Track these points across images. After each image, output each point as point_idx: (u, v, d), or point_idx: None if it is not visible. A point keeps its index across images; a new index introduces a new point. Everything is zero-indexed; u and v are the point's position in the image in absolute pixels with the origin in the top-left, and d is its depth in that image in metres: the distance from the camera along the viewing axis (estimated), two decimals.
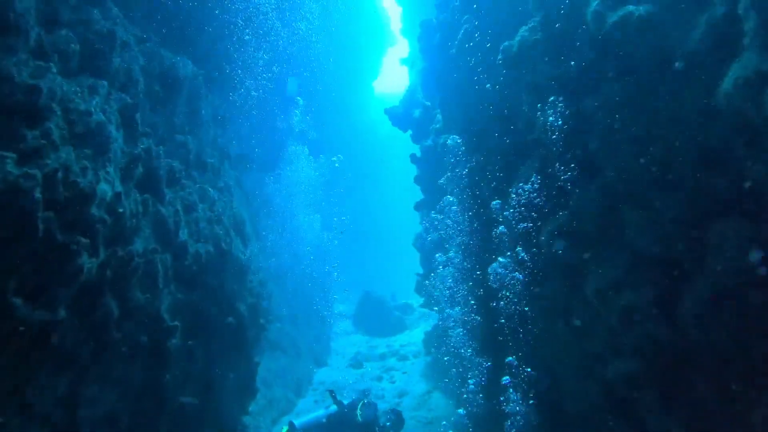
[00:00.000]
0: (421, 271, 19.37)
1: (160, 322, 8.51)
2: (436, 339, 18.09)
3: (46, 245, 5.64)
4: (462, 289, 11.85)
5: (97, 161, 6.77)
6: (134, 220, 8.12)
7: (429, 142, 16.86)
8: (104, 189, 6.71)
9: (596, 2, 7.26)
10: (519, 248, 9.64)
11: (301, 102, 21.58)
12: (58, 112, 6.38)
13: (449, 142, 12.40)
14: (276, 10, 16.03)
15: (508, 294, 9.79)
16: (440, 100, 14.68)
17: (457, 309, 11.96)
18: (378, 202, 42.90)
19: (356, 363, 22.48)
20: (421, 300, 21.66)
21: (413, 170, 18.84)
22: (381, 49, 39.46)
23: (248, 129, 17.15)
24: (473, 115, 11.77)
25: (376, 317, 28.86)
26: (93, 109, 6.86)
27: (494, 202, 10.32)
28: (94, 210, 6.43)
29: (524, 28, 9.10)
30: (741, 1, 5.48)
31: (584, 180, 8.62)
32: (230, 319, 11.38)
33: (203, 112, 12.84)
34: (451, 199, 12.22)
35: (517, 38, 9.25)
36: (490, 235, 10.41)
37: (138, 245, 8.27)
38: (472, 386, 11.06)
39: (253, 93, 15.68)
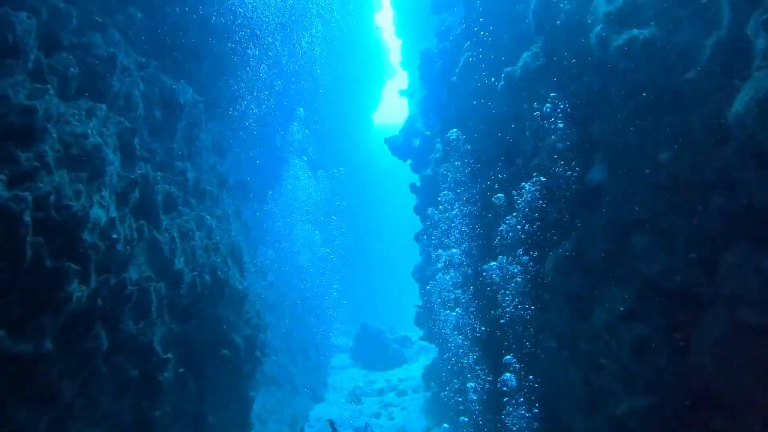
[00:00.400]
0: (420, 302, 18.99)
1: (152, 355, 8.13)
2: (436, 371, 17.58)
3: (34, 272, 5.37)
4: (461, 291, 11.56)
5: (91, 185, 6.57)
6: (128, 247, 7.86)
7: (429, 171, 16.77)
8: (98, 214, 6.48)
9: (599, 26, 7.23)
10: (520, 251, 9.44)
11: (302, 112, 21.53)
12: (54, 134, 6.22)
13: (450, 136, 12.20)
14: (279, 28, 16.09)
15: (508, 299, 9.55)
16: (440, 128, 14.65)
17: (458, 310, 11.64)
18: (377, 233, 42.63)
19: (354, 398, 21.80)
20: (421, 332, 21.19)
21: (413, 201, 18.69)
22: (380, 80, 40.01)
23: (249, 143, 16.98)
24: (475, 143, 11.69)
25: (375, 350, 28.20)
26: (90, 132, 6.71)
27: (497, 196, 10.12)
28: (86, 235, 6.19)
29: (526, 53, 9.11)
30: (750, 21, 5.41)
31: (590, 204, 8.46)
32: (225, 351, 10.97)
33: (203, 139, 12.76)
34: (451, 195, 11.99)
35: (520, 63, 9.24)
36: (491, 244, 10.25)
37: (132, 273, 7.99)
38: (472, 391, 10.72)
39: (253, 107, 15.60)
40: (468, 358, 11.20)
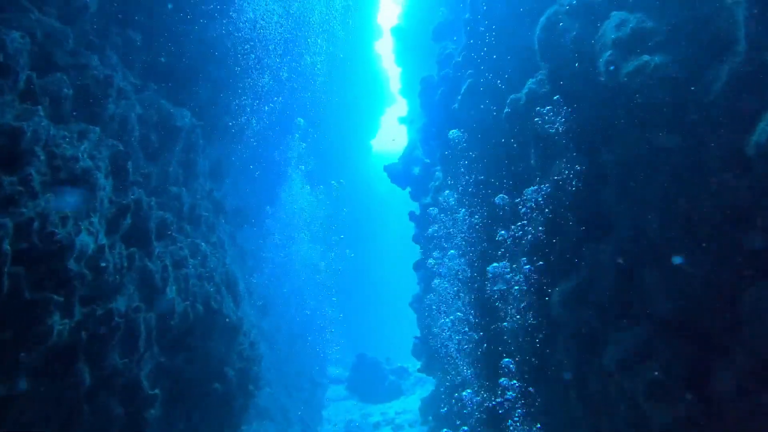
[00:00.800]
0: (418, 333, 18.54)
1: (138, 390, 7.65)
2: (434, 404, 17.00)
3: (11, 304, 4.98)
4: (461, 291, 11.20)
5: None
6: (118, 276, 7.47)
7: (428, 199, 16.52)
8: (86, 241, 6.13)
9: (608, 52, 7.05)
10: (523, 259, 9.13)
11: (302, 122, 21.31)
12: (42, 157, 5.92)
13: (450, 136, 11.92)
14: (281, 42, 16.02)
15: (509, 308, 9.22)
16: (441, 156, 14.46)
17: (458, 314, 11.24)
18: (374, 262, 42.12)
19: None
20: (418, 364, 20.66)
21: (411, 229, 18.42)
22: (380, 108, 40.18)
23: (249, 156, 16.73)
24: (477, 172, 11.45)
25: (371, 381, 27.49)
26: (80, 155, 6.41)
27: (500, 196, 9.83)
28: (71, 264, 5.82)
29: (531, 80, 8.95)
30: None
31: (598, 237, 8.17)
32: (216, 385, 10.46)
33: (200, 164, 12.49)
34: (452, 199, 11.71)
35: (525, 90, 9.08)
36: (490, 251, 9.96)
37: (120, 303, 7.58)
38: (467, 396, 10.31)
39: (254, 122, 15.41)
40: (466, 368, 10.83)
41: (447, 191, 11.99)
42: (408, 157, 21.04)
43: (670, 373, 6.65)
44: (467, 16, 11.97)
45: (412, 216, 18.31)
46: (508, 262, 9.51)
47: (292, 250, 22.95)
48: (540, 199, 8.79)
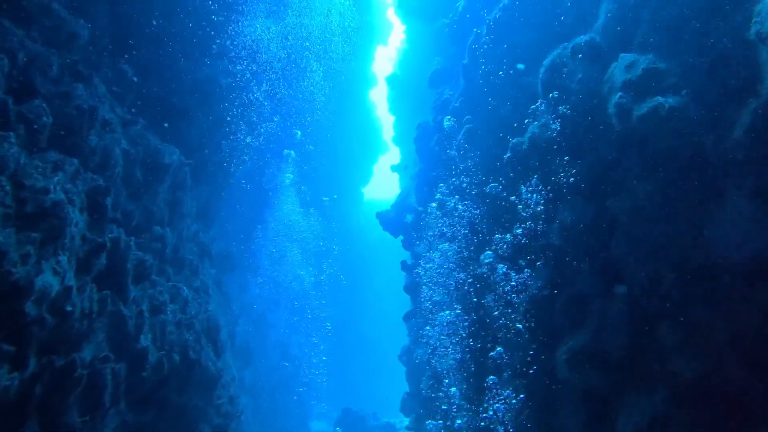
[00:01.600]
0: (407, 388, 17.59)
1: None
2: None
3: None
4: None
5: (45, 248, 5.61)
6: (86, 322, 6.75)
7: (421, 248, 16.03)
8: (48, 281, 5.48)
9: (618, 94, 6.78)
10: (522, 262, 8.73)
11: (299, 135, 20.85)
12: (7, 188, 5.37)
13: (445, 124, 11.58)
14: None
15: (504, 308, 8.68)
16: (438, 203, 14.06)
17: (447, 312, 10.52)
18: (363, 312, 40.90)
19: None
20: (406, 421, 19.53)
21: (402, 279, 17.85)
22: (373, 156, 40.21)
23: (242, 175, 16.25)
24: (476, 223, 11.02)
25: None
26: (52, 187, 5.85)
27: (491, 185, 9.50)
28: (29, 307, 5.16)
29: (535, 124, 8.67)
30: None
31: (607, 288, 7.66)
32: None
33: (187, 204, 11.94)
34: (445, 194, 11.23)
35: (528, 135, 8.78)
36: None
37: (86, 352, 6.82)
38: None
39: (249, 139, 15.00)
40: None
41: (442, 185, 11.64)
42: (401, 204, 20.66)
43: None
44: (466, 61, 11.89)
45: (403, 265, 17.72)
46: (503, 264, 9.09)
47: (280, 274, 22.11)
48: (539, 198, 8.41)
